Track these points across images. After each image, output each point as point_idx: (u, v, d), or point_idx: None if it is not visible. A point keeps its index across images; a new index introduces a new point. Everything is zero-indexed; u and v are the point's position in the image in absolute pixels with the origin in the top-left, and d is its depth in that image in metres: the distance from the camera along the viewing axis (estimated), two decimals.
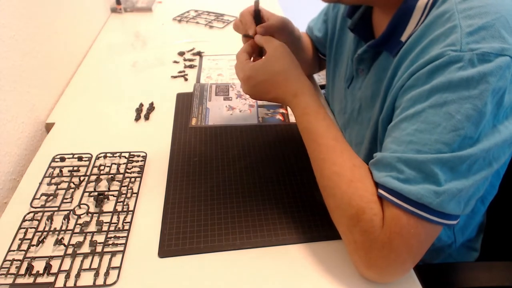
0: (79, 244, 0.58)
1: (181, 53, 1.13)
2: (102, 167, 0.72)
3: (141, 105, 0.89)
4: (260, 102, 0.90)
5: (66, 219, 0.62)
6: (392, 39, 0.56)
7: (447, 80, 0.45)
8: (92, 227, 0.61)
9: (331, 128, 0.56)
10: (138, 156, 0.74)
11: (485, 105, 0.43)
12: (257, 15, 0.71)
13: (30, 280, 0.54)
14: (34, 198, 0.66)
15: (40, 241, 0.58)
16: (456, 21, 0.46)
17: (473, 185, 0.46)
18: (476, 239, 0.74)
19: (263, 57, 0.63)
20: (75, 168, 0.72)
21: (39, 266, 0.55)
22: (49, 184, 0.69)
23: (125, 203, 0.65)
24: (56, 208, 0.64)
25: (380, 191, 0.49)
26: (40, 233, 0.60)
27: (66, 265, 0.55)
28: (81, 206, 0.65)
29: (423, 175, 0.45)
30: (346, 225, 0.51)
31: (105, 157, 0.74)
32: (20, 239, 0.59)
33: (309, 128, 0.57)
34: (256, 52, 0.70)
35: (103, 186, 0.69)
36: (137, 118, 0.85)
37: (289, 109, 0.87)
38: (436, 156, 0.45)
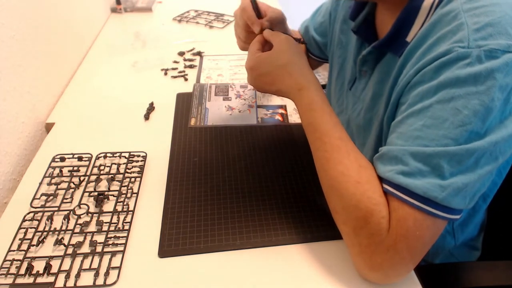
0: (79, 244, 0.58)
1: (181, 53, 1.13)
2: (102, 167, 0.72)
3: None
4: (259, 102, 0.90)
5: (66, 219, 0.62)
6: (397, 39, 0.56)
7: (454, 76, 0.45)
8: (92, 227, 0.61)
9: (337, 126, 0.55)
10: (138, 156, 0.74)
11: (492, 100, 0.44)
12: (256, 9, 0.68)
13: (30, 280, 0.54)
14: (34, 198, 0.66)
15: (40, 241, 0.58)
16: (462, 19, 0.46)
17: (479, 179, 0.46)
18: (477, 238, 0.74)
19: (270, 50, 0.62)
20: (75, 168, 0.72)
21: (39, 266, 0.55)
22: (49, 184, 0.69)
23: (125, 203, 0.65)
24: (56, 208, 0.64)
25: (386, 186, 0.48)
26: (40, 233, 0.60)
27: (66, 265, 0.55)
28: (81, 206, 0.65)
29: (429, 168, 0.45)
30: (352, 227, 0.50)
31: (105, 157, 0.74)
32: (20, 239, 0.59)
33: (314, 124, 0.55)
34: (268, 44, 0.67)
35: (103, 186, 0.69)
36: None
37: (288, 109, 0.88)
38: (444, 149, 0.45)
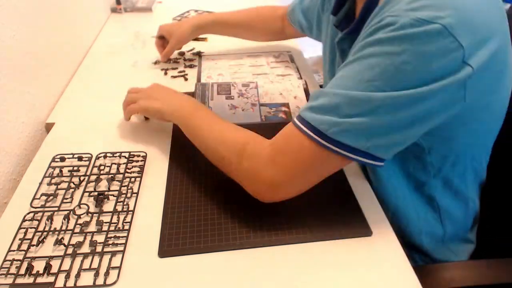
0: (79, 244, 0.58)
1: (181, 53, 1.13)
2: (102, 167, 0.72)
3: None
4: (262, 101, 0.90)
5: (66, 219, 0.62)
6: (363, 24, 0.59)
7: (378, 37, 0.49)
8: (92, 227, 0.61)
9: (209, 114, 0.71)
10: (138, 156, 0.74)
11: (403, 63, 0.47)
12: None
13: (30, 280, 0.54)
14: (34, 198, 0.66)
15: (40, 241, 0.58)
16: None
17: (374, 125, 0.50)
18: (471, 230, 0.74)
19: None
20: (75, 168, 0.72)
21: (39, 266, 0.55)
22: (49, 184, 0.69)
23: (125, 203, 0.65)
24: (56, 208, 0.64)
25: (293, 118, 0.56)
26: (40, 233, 0.60)
27: (66, 265, 0.55)
28: (81, 206, 0.65)
29: (329, 105, 0.51)
30: (236, 157, 0.59)
31: (105, 157, 0.74)
32: (20, 239, 0.59)
33: (186, 122, 0.70)
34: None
35: (103, 186, 0.69)
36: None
37: (291, 106, 0.89)
38: (347, 92, 0.51)
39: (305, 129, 0.53)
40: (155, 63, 1.07)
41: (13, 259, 0.56)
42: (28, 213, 0.63)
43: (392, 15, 0.49)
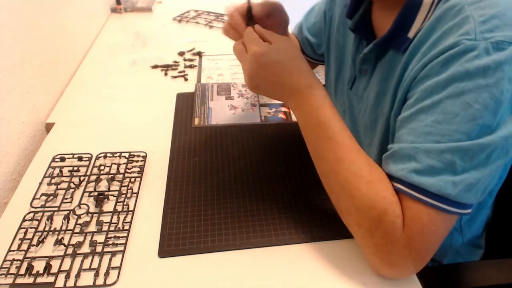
0: (79, 244, 0.58)
1: (181, 53, 1.13)
2: (102, 167, 0.72)
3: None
4: (262, 101, 0.90)
5: (66, 219, 0.62)
6: (399, 35, 0.56)
7: (463, 69, 0.45)
8: (92, 227, 0.61)
9: (345, 126, 0.54)
10: (138, 156, 0.74)
11: (501, 93, 0.44)
12: (250, 13, 0.64)
13: (30, 280, 0.54)
14: (34, 198, 0.66)
15: (40, 241, 0.58)
16: (467, 13, 0.47)
17: (490, 174, 0.46)
18: (482, 235, 0.74)
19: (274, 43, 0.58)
20: (75, 168, 0.72)
21: (39, 266, 0.55)
22: (49, 184, 0.69)
23: (125, 203, 0.65)
24: (56, 208, 0.64)
25: (398, 185, 0.48)
26: (40, 233, 0.60)
27: (66, 265, 0.55)
28: (81, 206, 0.65)
29: (441, 164, 0.46)
30: (366, 228, 0.49)
31: (105, 157, 0.74)
32: (20, 239, 0.59)
33: (325, 123, 0.53)
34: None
35: (103, 186, 0.69)
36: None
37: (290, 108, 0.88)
38: (457, 144, 0.45)
39: (428, 199, 0.46)
40: (154, 67, 1.06)
41: (13, 259, 0.56)
42: (28, 213, 0.63)
43: (467, 38, 0.45)
